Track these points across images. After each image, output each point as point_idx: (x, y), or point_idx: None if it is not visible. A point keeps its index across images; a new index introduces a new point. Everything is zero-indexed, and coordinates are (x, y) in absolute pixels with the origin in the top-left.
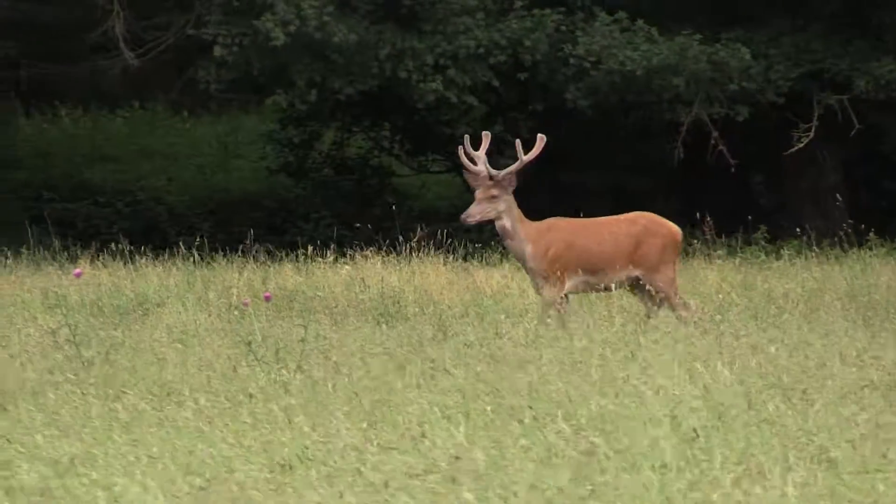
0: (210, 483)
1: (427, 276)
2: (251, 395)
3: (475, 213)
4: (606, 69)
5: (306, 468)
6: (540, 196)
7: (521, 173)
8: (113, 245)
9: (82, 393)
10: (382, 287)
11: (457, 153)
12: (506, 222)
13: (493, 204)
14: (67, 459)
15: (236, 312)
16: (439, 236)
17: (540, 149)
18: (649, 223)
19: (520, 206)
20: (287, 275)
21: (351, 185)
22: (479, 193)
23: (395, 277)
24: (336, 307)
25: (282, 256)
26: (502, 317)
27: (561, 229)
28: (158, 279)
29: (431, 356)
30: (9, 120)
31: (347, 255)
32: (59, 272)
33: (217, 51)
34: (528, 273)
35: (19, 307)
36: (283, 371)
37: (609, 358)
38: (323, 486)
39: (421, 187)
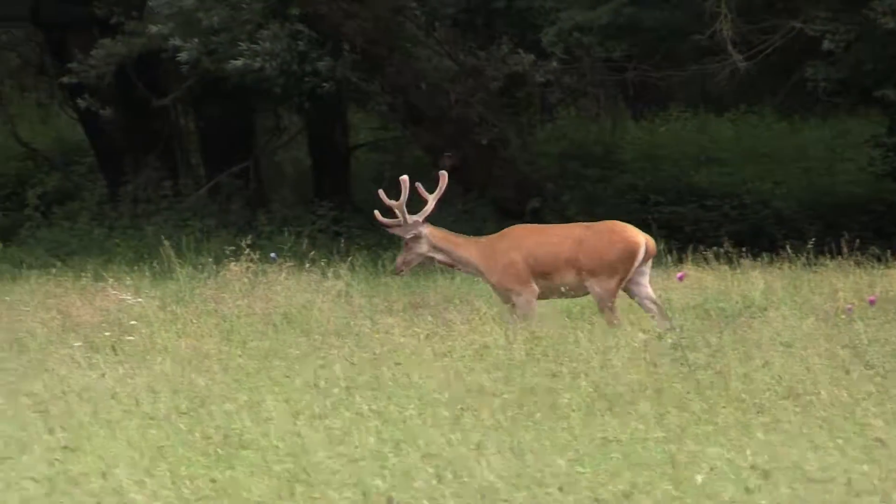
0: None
1: None
2: (862, 400)
3: (400, 263)
4: None
5: None
6: None
7: None
8: (716, 248)
9: (691, 396)
10: None
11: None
12: (438, 257)
13: (413, 249)
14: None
15: (843, 317)
16: None
17: (443, 188)
18: (605, 230)
19: None
20: (894, 278)
21: None
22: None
23: None
24: None
25: (888, 260)
26: None
27: (511, 237)
28: (764, 283)
29: None
30: (617, 123)
31: None
32: (664, 275)
33: (826, 45)
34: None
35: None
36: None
37: None
38: None
39: None
